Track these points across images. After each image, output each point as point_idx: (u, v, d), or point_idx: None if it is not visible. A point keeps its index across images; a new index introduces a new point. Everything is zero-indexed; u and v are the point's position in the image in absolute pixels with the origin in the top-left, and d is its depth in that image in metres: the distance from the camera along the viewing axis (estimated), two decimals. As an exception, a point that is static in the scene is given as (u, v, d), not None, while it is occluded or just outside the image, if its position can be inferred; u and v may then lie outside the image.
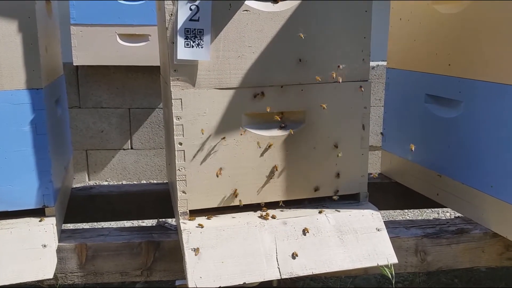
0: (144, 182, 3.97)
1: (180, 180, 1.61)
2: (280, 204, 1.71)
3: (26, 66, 1.59)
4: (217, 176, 1.61)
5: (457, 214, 2.00)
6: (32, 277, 1.55)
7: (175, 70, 1.54)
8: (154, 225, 1.95)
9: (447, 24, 1.91)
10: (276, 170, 1.66)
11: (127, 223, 3.09)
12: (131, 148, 3.96)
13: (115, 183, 3.94)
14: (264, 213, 1.65)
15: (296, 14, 1.58)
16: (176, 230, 1.80)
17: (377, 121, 3.87)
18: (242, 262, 1.52)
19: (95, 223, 3.02)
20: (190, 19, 1.50)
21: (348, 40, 1.63)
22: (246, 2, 1.55)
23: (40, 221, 1.66)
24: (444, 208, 2.97)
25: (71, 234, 1.79)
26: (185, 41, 1.50)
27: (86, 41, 3.46)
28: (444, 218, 2.99)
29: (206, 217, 1.64)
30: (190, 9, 1.49)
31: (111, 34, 3.47)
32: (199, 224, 1.58)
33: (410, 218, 3.34)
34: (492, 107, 1.72)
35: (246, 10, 1.55)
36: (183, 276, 1.64)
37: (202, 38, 1.51)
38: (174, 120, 1.57)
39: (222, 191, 1.65)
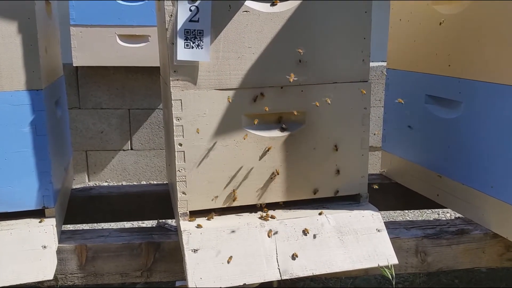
0: (144, 183, 3.97)
1: (180, 181, 1.60)
2: (280, 204, 1.71)
3: (26, 67, 1.58)
4: (228, 263, 1.51)
5: (458, 215, 2.00)
6: (32, 278, 1.55)
7: (175, 71, 1.54)
8: (154, 226, 1.95)
9: (447, 25, 1.91)
10: (278, 174, 1.66)
11: (127, 224, 3.09)
12: (131, 149, 3.95)
13: (115, 184, 3.94)
14: (264, 214, 1.65)
15: (296, 15, 1.58)
16: (176, 231, 1.80)
17: (377, 122, 3.87)
18: (242, 263, 1.52)
19: (95, 224, 3.02)
20: (190, 20, 1.50)
21: (348, 41, 1.63)
22: (245, 3, 1.54)
23: (40, 222, 1.65)
24: (445, 209, 2.97)
25: (71, 235, 1.79)
26: (185, 42, 1.50)
27: (86, 42, 3.46)
28: (444, 218, 3.00)
29: (206, 218, 1.64)
30: (190, 10, 1.49)
31: (110, 35, 3.47)
32: (199, 225, 1.58)
33: (410, 219, 3.34)
34: (492, 108, 1.72)
35: (246, 11, 1.55)
36: (183, 277, 1.64)
37: (202, 39, 1.51)
38: (174, 121, 1.56)
39: (222, 192, 1.64)
